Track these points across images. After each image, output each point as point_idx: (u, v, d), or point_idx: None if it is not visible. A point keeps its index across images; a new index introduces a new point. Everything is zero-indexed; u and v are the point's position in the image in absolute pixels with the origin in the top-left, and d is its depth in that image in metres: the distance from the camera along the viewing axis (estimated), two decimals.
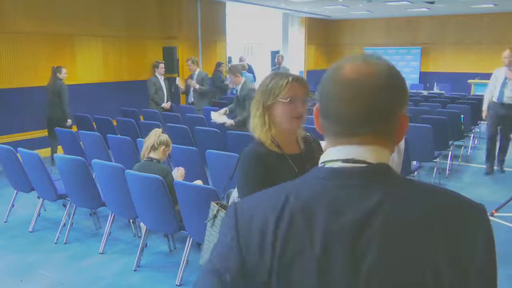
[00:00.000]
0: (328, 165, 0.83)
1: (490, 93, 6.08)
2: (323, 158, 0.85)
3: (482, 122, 7.91)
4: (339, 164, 0.81)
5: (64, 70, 6.48)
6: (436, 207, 0.77)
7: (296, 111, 1.72)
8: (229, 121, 5.45)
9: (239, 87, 5.48)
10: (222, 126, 5.56)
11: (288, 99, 1.70)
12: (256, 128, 1.77)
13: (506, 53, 5.78)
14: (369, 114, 0.80)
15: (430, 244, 0.73)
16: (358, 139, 0.82)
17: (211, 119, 5.64)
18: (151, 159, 3.54)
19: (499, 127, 6.10)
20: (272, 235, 0.79)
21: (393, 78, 0.82)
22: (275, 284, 0.78)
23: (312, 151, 1.87)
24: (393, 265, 0.73)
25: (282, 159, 1.75)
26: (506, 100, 5.86)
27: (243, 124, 5.31)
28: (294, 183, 0.85)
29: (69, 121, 6.41)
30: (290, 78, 1.73)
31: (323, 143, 1.98)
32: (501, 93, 5.88)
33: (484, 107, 6.20)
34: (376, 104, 0.80)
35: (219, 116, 5.58)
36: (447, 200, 0.79)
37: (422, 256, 0.73)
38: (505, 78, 5.82)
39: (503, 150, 6.30)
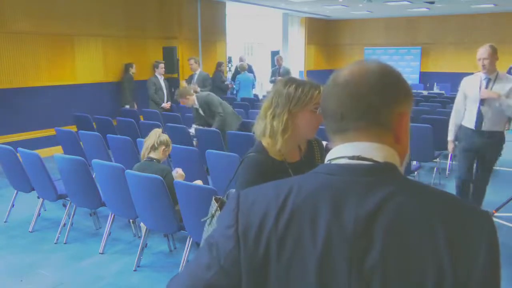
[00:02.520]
0: (334, 162, 0.84)
1: (458, 115, 4.19)
2: (329, 156, 0.86)
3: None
4: (345, 161, 0.82)
5: (134, 66, 8.27)
6: (441, 209, 0.77)
7: (319, 121, 1.71)
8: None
9: (196, 103, 5.74)
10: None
11: (318, 110, 1.69)
12: (274, 136, 1.71)
13: (484, 52, 3.85)
14: (353, 108, 0.82)
15: (433, 245, 0.73)
16: (354, 135, 0.83)
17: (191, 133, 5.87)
18: (151, 159, 3.54)
19: (475, 164, 4.20)
20: (271, 227, 0.79)
21: (383, 76, 0.84)
22: (272, 276, 0.78)
23: (313, 154, 1.86)
24: (395, 264, 0.73)
25: (282, 168, 1.74)
26: (486, 126, 3.91)
27: (222, 126, 5.62)
28: (299, 178, 0.86)
29: (134, 105, 8.16)
30: (321, 89, 1.71)
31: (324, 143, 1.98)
32: (480, 116, 3.91)
33: (451, 136, 4.29)
34: (360, 100, 0.82)
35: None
36: (452, 204, 0.79)
37: (424, 257, 0.73)
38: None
39: (478, 196, 4.29)
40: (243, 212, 0.82)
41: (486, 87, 3.90)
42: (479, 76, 3.97)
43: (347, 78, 0.84)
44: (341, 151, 0.84)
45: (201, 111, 5.78)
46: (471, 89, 4.01)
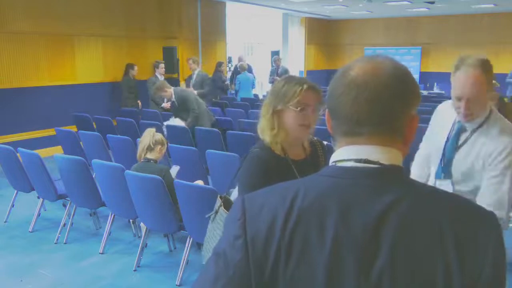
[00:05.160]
0: (339, 164, 0.82)
1: (422, 167, 2.20)
2: (334, 157, 0.85)
3: None
4: (351, 164, 0.81)
5: (135, 67, 8.09)
6: (447, 211, 0.77)
7: (305, 120, 1.69)
8: (181, 125, 5.87)
9: (173, 97, 5.94)
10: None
11: (299, 108, 1.66)
12: (265, 131, 1.75)
13: (471, 84, 1.76)
14: (372, 113, 0.80)
15: (440, 247, 0.73)
16: (367, 139, 0.81)
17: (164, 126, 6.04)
18: (148, 160, 3.53)
19: None
20: (280, 232, 0.78)
21: (399, 77, 0.81)
22: (281, 282, 0.77)
23: (318, 156, 1.86)
24: (403, 268, 0.73)
25: (285, 164, 1.74)
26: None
27: (195, 123, 5.80)
28: (305, 180, 0.84)
29: (138, 103, 8.06)
30: (305, 86, 1.68)
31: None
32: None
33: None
34: (379, 103, 0.79)
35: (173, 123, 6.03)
36: (458, 205, 0.79)
37: (432, 260, 0.73)
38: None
39: None
40: (250, 221, 0.80)
41: (457, 142, 1.92)
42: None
43: (365, 80, 0.80)
44: (347, 154, 0.82)
45: (177, 105, 6.01)
46: (439, 132, 2.05)
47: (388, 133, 0.81)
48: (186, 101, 5.87)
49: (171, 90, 5.94)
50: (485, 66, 1.77)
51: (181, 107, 5.96)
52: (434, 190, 0.81)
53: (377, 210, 0.75)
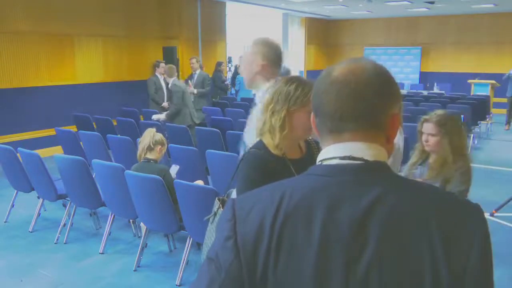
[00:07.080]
0: (325, 162, 0.84)
1: None
2: (320, 156, 0.87)
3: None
4: (336, 161, 0.83)
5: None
6: (433, 205, 0.78)
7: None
8: (162, 116, 6.35)
9: (169, 85, 6.46)
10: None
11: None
12: (273, 131, 1.73)
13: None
14: (355, 109, 0.82)
15: (427, 242, 0.73)
16: (350, 136, 0.83)
17: (152, 119, 6.53)
18: (148, 160, 3.53)
19: None
20: (268, 233, 0.79)
21: (379, 76, 0.84)
22: (271, 282, 0.78)
23: (313, 154, 1.87)
24: (390, 263, 0.74)
25: (283, 164, 1.74)
26: None
27: (173, 116, 6.19)
28: (293, 180, 0.87)
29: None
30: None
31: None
32: None
33: None
34: (361, 100, 0.82)
35: (157, 115, 6.54)
36: (444, 199, 0.80)
37: (419, 253, 0.73)
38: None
39: None
40: (240, 222, 0.81)
41: None
42: None
43: (347, 78, 0.83)
44: (333, 152, 0.84)
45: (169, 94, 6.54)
46: None
47: (371, 129, 0.83)
48: (173, 94, 6.30)
49: (171, 79, 6.41)
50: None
51: (169, 99, 6.49)
52: (419, 184, 0.83)
53: (363, 205, 0.76)
